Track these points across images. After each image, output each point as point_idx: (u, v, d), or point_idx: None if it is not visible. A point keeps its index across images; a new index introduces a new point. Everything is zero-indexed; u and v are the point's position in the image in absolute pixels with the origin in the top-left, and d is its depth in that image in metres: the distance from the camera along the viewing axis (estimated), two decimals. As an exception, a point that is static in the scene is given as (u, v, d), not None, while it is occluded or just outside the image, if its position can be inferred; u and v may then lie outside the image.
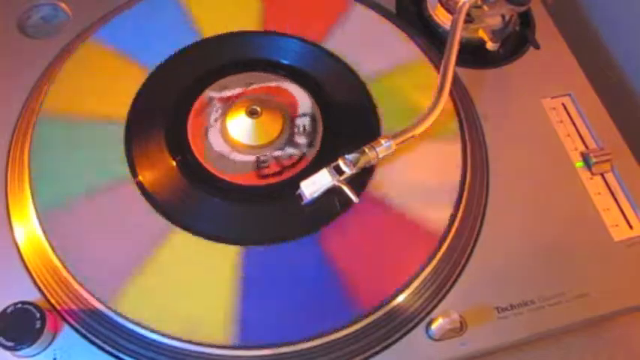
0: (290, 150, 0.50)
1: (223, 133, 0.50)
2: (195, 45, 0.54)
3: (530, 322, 0.45)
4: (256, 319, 0.42)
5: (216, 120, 0.51)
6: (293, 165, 0.49)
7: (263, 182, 0.48)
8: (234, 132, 0.49)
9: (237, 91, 0.52)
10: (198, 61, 0.53)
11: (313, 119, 0.51)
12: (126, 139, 0.49)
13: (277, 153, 0.49)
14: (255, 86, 0.53)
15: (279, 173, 0.49)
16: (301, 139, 0.50)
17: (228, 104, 0.51)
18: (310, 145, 0.50)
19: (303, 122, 0.51)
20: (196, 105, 0.51)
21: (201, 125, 0.50)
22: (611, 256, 0.48)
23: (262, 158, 0.49)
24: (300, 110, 0.52)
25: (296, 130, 0.51)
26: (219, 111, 0.51)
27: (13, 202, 0.47)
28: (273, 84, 0.53)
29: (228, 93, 0.52)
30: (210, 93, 0.52)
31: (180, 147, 0.49)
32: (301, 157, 0.49)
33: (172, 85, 0.52)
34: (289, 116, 0.51)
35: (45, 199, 0.46)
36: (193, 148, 0.49)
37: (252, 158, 0.49)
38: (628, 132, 0.54)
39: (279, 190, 0.48)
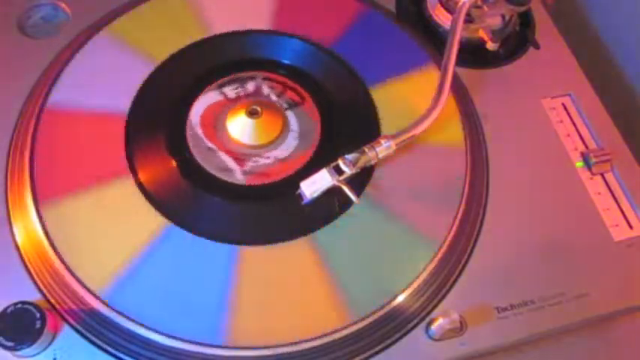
0: (279, 152, 0.50)
1: (223, 129, 0.50)
2: (199, 43, 0.54)
3: (530, 322, 0.45)
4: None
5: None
6: (280, 168, 0.49)
7: (249, 181, 0.48)
8: (234, 131, 0.49)
9: (246, 89, 0.53)
10: (200, 60, 0.54)
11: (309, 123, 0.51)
12: (126, 136, 0.49)
13: (267, 154, 0.50)
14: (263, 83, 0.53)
15: (264, 175, 0.49)
16: (293, 142, 0.50)
17: (232, 103, 0.51)
18: (301, 149, 0.50)
19: (297, 125, 0.51)
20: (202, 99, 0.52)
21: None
22: (611, 256, 0.48)
23: (253, 158, 0.49)
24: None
25: (290, 134, 0.51)
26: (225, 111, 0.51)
27: (13, 202, 0.47)
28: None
29: (235, 91, 0.52)
30: (217, 89, 0.52)
31: (179, 146, 0.49)
32: (289, 160, 0.49)
33: (180, 77, 0.53)
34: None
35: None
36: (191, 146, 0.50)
37: (241, 156, 0.49)
38: (628, 132, 0.54)
39: (264, 190, 0.48)
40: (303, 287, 0.44)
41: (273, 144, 0.50)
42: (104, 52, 0.52)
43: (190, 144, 0.49)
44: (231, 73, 0.53)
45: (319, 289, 0.44)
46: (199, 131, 0.50)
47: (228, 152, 0.49)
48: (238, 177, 0.48)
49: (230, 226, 0.47)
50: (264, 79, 0.53)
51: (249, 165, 0.49)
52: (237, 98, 0.52)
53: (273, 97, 0.52)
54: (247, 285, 0.44)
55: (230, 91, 0.52)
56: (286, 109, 0.51)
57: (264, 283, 0.44)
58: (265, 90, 0.52)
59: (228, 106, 0.51)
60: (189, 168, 0.48)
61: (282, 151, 0.50)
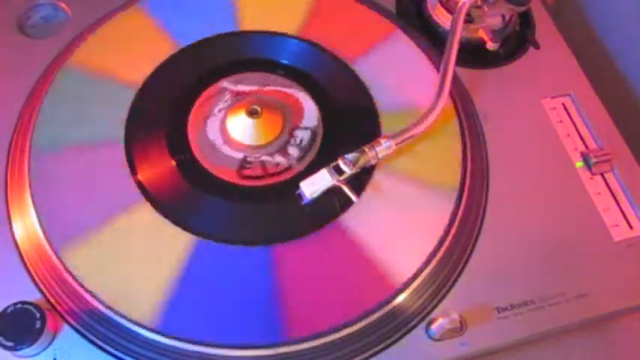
0: (278, 158, 0.49)
1: (222, 124, 0.50)
2: (221, 36, 0.54)
3: (530, 322, 0.45)
4: (184, 311, 0.42)
5: (220, 110, 0.51)
6: (276, 174, 0.49)
7: (242, 182, 0.48)
8: (233, 130, 0.49)
9: (252, 88, 0.53)
10: (219, 52, 0.54)
11: (313, 135, 0.51)
12: (126, 138, 0.49)
13: (265, 158, 0.49)
14: (270, 88, 0.53)
15: (259, 177, 0.48)
16: (294, 151, 0.50)
17: (237, 99, 0.51)
18: (300, 159, 0.49)
19: (302, 135, 0.51)
20: (208, 91, 0.52)
21: (205, 111, 0.51)
22: (611, 256, 0.48)
23: (249, 159, 0.49)
24: (304, 123, 0.51)
25: (292, 140, 0.50)
26: (227, 102, 0.51)
27: (13, 202, 0.47)
28: (288, 90, 0.53)
29: (242, 87, 0.52)
30: (224, 83, 0.52)
31: (180, 143, 0.49)
32: (287, 169, 0.49)
33: (194, 64, 0.53)
34: (291, 124, 0.51)
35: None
36: (190, 140, 0.50)
37: (239, 155, 0.49)
38: (628, 132, 0.54)
39: (258, 192, 0.48)
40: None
41: (266, 147, 0.50)
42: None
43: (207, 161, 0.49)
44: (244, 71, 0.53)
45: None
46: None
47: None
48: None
49: (258, 228, 0.46)
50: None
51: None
52: (247, 94, 0.52)
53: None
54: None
55: (241, 87, 0.52)
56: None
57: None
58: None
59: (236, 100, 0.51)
60: (198, 174, 0.48)
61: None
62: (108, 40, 0.53)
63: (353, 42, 0.55)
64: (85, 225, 0.45)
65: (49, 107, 0.49)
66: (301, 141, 0.50)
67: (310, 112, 0.52)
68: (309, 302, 0.43)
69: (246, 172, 0.49)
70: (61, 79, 0.50)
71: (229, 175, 0.48)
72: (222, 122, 0.50)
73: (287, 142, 0.50)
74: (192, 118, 0.51)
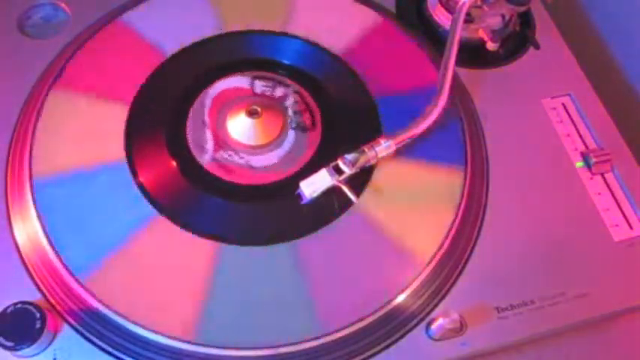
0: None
1: (222, 130, 0.50)
2: (211, 39, 0.54)
3: (530, 322, 0.45)
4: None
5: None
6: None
7: (255, 180, 0.48)
8: (234, 132, 0.49)
9: (241, 89, 0.53)
10: (211, 55, 0.54)
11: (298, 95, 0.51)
12: (126, 137, 0.49)
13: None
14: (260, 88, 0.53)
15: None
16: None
17: (230, 103, 0.51)
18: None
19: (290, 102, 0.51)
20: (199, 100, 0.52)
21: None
22: (611, 256, 0.48)
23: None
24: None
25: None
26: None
27: (13, 202, 0.47)
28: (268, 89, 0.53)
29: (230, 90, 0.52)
30: (210, 90, 0.52)
31: (179, 145, 0.49)
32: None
33: (188, 71, 0.53)
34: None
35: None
36: (190, 144, 0.50)
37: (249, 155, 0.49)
38: (628, 132, 0.54)
39: (271, 190, 0.48)
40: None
41: (270, 145, 0.50)
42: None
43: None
44: (268, 71, 0.53)
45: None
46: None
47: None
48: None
49: (278, 226, 0.47)
50: (296, 92, 0.52)
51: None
52: (260, 95, 0.52)
53: (290, 112, 0.51)
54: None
55: (259, 86, 0.52)
56: (293, 127, 0.51)
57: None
58: (289, 102, 0.52)
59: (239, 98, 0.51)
60: (206, 181, 0.48)
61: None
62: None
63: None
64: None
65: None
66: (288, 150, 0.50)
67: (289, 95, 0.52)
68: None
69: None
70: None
71: (243, 178, 0.48)
72: (223, 127, 0.50)
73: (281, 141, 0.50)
74: (191, 124, 0.50)
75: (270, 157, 0.49)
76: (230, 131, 0.50)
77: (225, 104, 0.51)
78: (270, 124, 0.50)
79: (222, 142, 0.50)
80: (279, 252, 0.45)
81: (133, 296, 0.43)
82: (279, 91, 0.52)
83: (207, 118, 0.50)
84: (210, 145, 0.49)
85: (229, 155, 0.49)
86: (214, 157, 0.49)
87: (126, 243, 0.44)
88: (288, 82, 0.53)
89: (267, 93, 0.52)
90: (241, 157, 0.49)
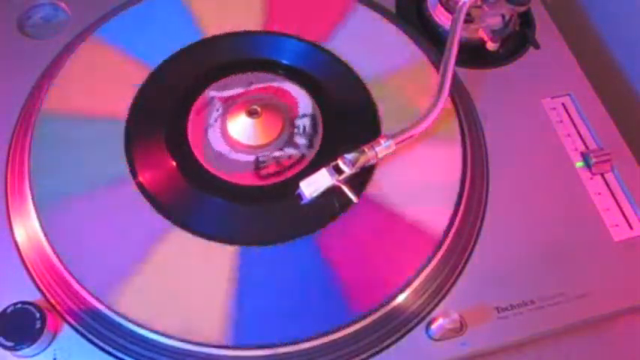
0: (289, 150, 0.50)
1: (223, 132, 0.50)
2: (196, 44, 0.54)
3: (530, 322, 0.45)
4: (251, 320, 0.42)
5: (216, 119, 0.51)
6: (292, 165, 0.49)
7: (261, 182, 0.48)
8: (234, 132, 0.49)
9: (239, 90, 0.52)
10: (198, 61, 0.53)
11: (313, 120, 0.51)
12: (126, 138, 0.49)
13: (277, 153, 0.49)
14: (256, 86, 0.53)
15: (278, 173, 0.49)
16: (301, 140, 0.50)
17: (229, 104, 0.51)
18: (310, 146, 0.50)
19: (303, 123, 0.51)
20: (197, 104, 0.51)
21: (201, 124, 0.50)
22: (611, 256, 0.48)
23: (261, 158, 0.49)
24: (301, 111, 0.52)
25: (296, 130, 0.50)
26: (220, 110, 0.51)
27: (13, 202, 0.47)
28: (274, 84, 0.53)
29: (229, 92, 0.52)
30: (210, 92, 0.52)
31: (180, 146, 0.49)
32: (301, 158, 0.49)
33: (173, 84, 0.52)
34: (289, 116, 0.51)
35: (45, 198, 0.45)
36: (193, 147, 0.49)
37: (251, 158, 0.49)
38: (628, 132, 0.54)
39: (277, 190, 0.48)
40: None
41: (273, 144, 0.50)
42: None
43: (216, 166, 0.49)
44: (230, 74, 0.53)
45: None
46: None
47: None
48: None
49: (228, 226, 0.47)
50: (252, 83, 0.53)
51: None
52: (237, 97, 0.52)
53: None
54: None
55: (228, 92, 0.52)
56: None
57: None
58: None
59: (228, 105, 0.51)
60: (189, 167, 0.49)
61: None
62: (76, 78, 0.51)
63: (318, 23, 0.55)
64: (125, 269, 0.44)
65: (38, 161, 0.47)
66: (304, 128, 0.50)
67: (303, 100, 0.52)
68: (362, 276, 0.44)
69: (264, 172, 0.48)
70: (41, 128, 0.48)
71: (247, 179, 0.48)
72: (224, 129, 0.50)
73: (292, 134, 0.50)
74: (192, 133, 0.50)
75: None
76: (235, 136, 0.50)
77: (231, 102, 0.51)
78: (270, 123, 0.50)
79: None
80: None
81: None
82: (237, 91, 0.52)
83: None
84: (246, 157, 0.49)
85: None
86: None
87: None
88: (237, 76, 0.53)
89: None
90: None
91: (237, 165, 0.49)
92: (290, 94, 0.52)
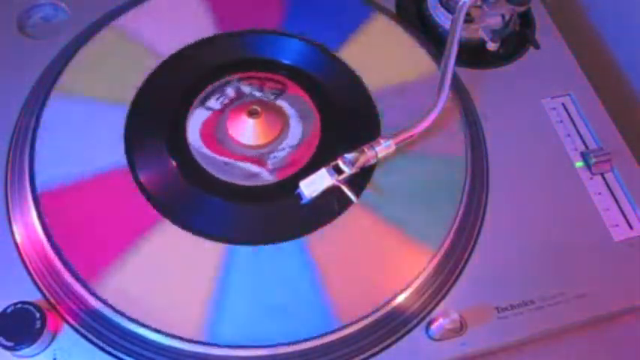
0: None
1: (225, 133, 0.50)
2: (205, 41, 0.54)
3: (530, 322, 0.45)
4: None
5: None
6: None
7: (262, 182, 0.48)
8: (235, 132, 0.49)
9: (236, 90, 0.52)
10: (198, 61, 0.54)
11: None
12: (126, 142, 0.49)
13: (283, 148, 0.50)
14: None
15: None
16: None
17: (230, 104, 0.51)
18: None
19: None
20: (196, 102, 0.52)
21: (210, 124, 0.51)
22: (611, 256, 0.48)
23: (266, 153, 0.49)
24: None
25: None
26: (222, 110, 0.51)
27: (13, 202, 0.47)
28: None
29: (230, 92, 0.52)
30: (207, 104, 0.52)
31: (179, 144, 0.49)
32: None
33: (175, 81, 0.52)
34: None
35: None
36: (193, 149, 0.50)
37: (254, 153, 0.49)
38: (628, 132, 0.54)
39: (274, 190, 0.48)
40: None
41: (279, 138, 0.50)
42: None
43: (206, 166, 0.49)
44: (206, 86, 0.52)
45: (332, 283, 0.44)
46: (207, 151, 0.49)
47: (245, 159, 0.49)
48: (268, 177, 0.48)
49: (285, 225, 0.47)
50: (240, 79, 0.52)
51: (271, 162, 0.49)
52: (224, 107, 0.51)
53: (257, 94, 0.51)
54: (331, 268, 0.44)
55: (214, 103, 0.52)
56: (274, 99, 0.51)
57: (342, 260, 0.44)
58: (245, 89, 0.52)
59: (221, 116, 0.51)
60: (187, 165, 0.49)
61: (292, 138, 0.50)
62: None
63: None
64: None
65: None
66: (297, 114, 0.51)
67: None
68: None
69: (274, 166, 0.49)
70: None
71: (261, 180, 0.48)
72: (227, 136, 0.50)
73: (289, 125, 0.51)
74: (192, 132, 0.50)
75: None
76: (237, 137, 0.50)
77: (217, 132, 0.50)
78: (268, 126, 0.50)
79: (256, 157, 0.50)
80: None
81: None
82: (230, 92, 0.52)
83: (224, 159, 0.49)
84: (255, 168, 0.49)
85: (274, 157, 0.49)
86: (270, 170, 0.49)
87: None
88: (225, 79, 0.52)
89: (226, 101, 0.52)
90: (281, 149, 0.49)
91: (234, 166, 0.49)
92: (276, 78, 0.52)
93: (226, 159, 0.49)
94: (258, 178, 0.48)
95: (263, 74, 0.53)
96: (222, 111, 0.51)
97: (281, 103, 0.51)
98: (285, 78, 0.53)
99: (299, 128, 0.51)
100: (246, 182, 0.48)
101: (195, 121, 0.51)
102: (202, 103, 0.52)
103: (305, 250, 0.45)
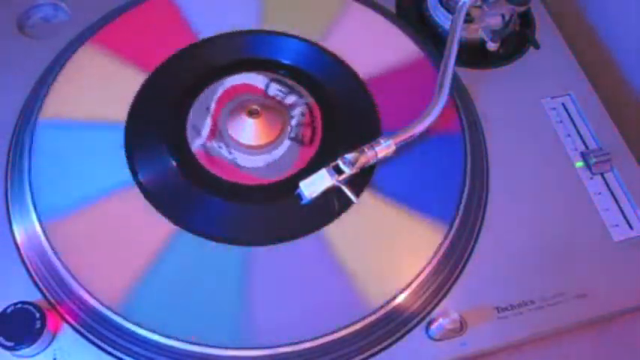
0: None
1: (223, 134, 0.50)
2: (194, 45, 0.54)
3: (530, 322, 0.45)
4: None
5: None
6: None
7: (263, 181, 0.48)
8: (234, 132, 0.49)
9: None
10: (198, 61, 0.53)
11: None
12: (126, 142, 0.49)
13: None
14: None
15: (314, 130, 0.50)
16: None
17: (229, 104, 0.51)
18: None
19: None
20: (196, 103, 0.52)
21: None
22: (611, 256, 0.48)
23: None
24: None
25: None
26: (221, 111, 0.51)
27: (13, 202, 0.47)
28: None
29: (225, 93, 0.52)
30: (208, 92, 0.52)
31: (180, 148, 0.49)
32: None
33: (171, 86, 0.52)
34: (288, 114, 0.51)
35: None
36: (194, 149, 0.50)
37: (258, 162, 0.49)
38: (628, 132, 0.54)
39: (280, 189, 0.48)
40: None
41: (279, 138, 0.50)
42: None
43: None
44: (203, 89, 0.52)
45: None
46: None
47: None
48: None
49: (236, 228, 0.46)
50: (307, 104, 0.52)
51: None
52: (270, 98, 0.52)
53: (293, 122, 0.51)
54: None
55: (274, 89, 0.52)
56: (291, 137, 0.50)
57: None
58: (296, 112, 0.52)
59: (221, 116, 0.51)
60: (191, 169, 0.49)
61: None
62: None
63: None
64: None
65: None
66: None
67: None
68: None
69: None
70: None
71: (251, 180, 0.49)
72: (224, 119, 0.50)
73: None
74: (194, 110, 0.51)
75: (258, 160, 0.49)
76: (228, 126, 0.50)
77: (234, 99, 0.51)
78: (267, 126, 0.50)
79: (218, 132, 0.50)
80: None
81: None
82: (290, 99, 0.52)
83: (212, 105, 0.51)
84: (206, 131, 0.50)
85: (219, 147, 0.49)
86: (205, 144, 0.49)
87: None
88: (303, 92, 0.52)
89: (279, 98, 0.52)
90: (230, 153, 0.49)
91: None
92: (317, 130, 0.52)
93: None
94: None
95: (319, 120, 0.52)
96: (220, 112, 0.51)
97: (287, 143, 0.51)
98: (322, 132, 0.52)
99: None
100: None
101: (195, 122, 0.51)
102: (270, 79, 0.52)
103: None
